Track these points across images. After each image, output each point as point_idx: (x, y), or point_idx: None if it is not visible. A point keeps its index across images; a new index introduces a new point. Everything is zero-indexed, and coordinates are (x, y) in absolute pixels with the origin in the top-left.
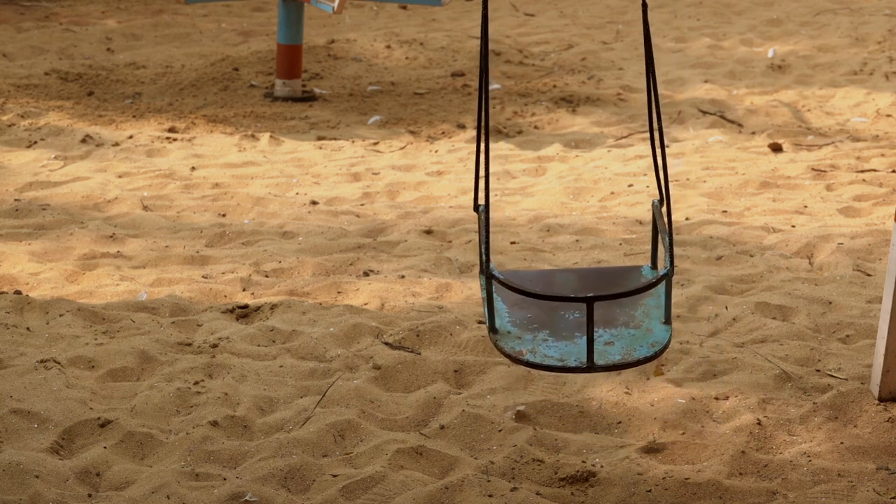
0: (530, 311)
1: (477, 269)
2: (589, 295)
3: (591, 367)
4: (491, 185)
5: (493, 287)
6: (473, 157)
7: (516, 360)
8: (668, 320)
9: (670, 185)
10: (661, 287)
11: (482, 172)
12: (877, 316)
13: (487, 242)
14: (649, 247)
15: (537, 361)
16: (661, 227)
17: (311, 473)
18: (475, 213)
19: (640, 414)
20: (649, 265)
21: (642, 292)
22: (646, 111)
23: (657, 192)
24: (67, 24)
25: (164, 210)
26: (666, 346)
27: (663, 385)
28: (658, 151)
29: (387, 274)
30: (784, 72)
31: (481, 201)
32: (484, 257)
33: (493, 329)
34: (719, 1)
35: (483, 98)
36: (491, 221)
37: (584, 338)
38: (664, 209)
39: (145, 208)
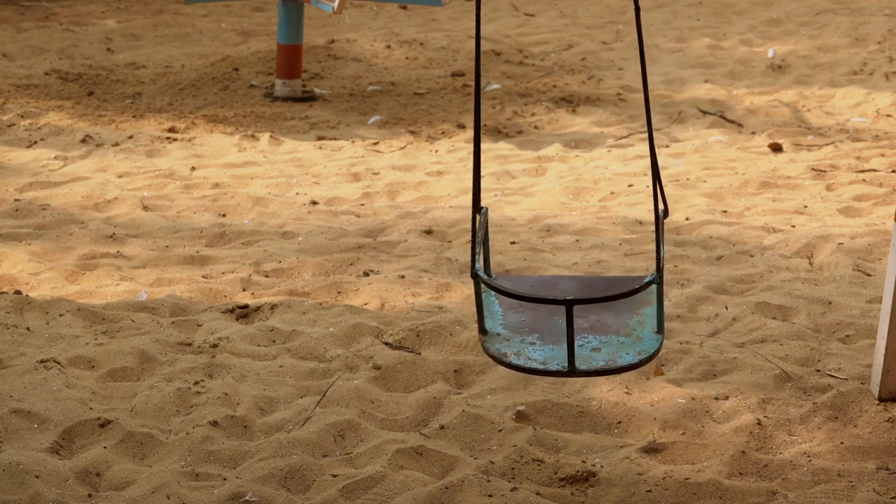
0: (525, 315)
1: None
2: (569, 298)
3: (572, 371)
4: (491, 186)
5: (490, 290)
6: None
7: (499, 362)
8: (660, 329)
9: (670, 185)
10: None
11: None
12: (877, 316)
13: (474, 242)
14: (650, 247)
15: (520, 364)
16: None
17: (311, 473)
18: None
19: (640, 414)
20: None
21: (621, 297)
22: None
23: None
24: (67, 24)
25: (164, 210)
26: (653, 355)
27: (663, 385)
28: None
29: (387, 274)
30: (784, 72)
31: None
32: (472, 257)
33: (482, 330)
34: (719, 1)
35: (477, 96)
36: (491, 222)
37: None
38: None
39: (145, 208)
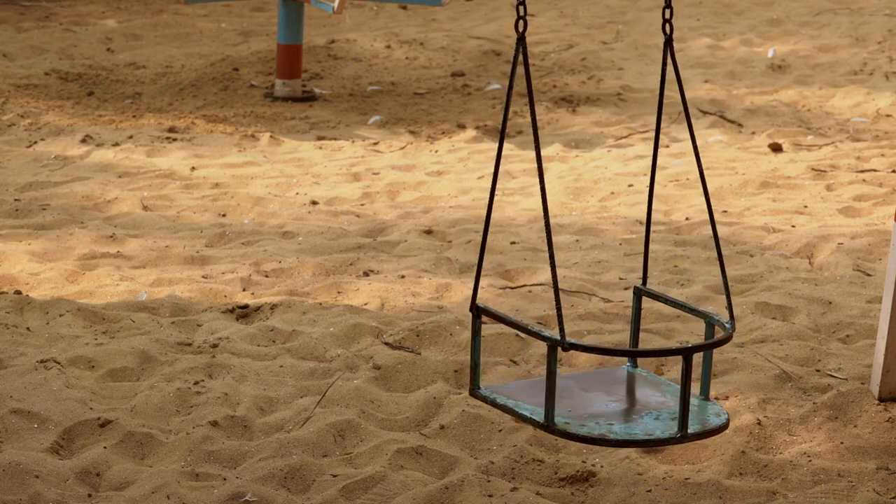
0: (561, 405)
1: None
2: (688, 345)
3: (684, 436)
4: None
5: (511, 392)
6: (474, 157)
7: (602, 443)
8: (706, 396)
9: (670, 185)
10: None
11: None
12: (877, 316)
13: (476, 355)
14: (650, 247)
15: (627, 439)
16: (667, 301)
17: (311, 473)
18: (474, 219)
19: None
20: (628, 363)
21: (725, 343)
22: (646, 111)
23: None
24: (67, 24)
25: (164, 210)
26: (728, 417)
27: None
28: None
29: (387, 274)
30: (784, 72)
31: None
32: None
33: (551, 421)
34: (719, 1)
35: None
36: (491, 222)
37: (644, 417)
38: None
39: (145, 208)
